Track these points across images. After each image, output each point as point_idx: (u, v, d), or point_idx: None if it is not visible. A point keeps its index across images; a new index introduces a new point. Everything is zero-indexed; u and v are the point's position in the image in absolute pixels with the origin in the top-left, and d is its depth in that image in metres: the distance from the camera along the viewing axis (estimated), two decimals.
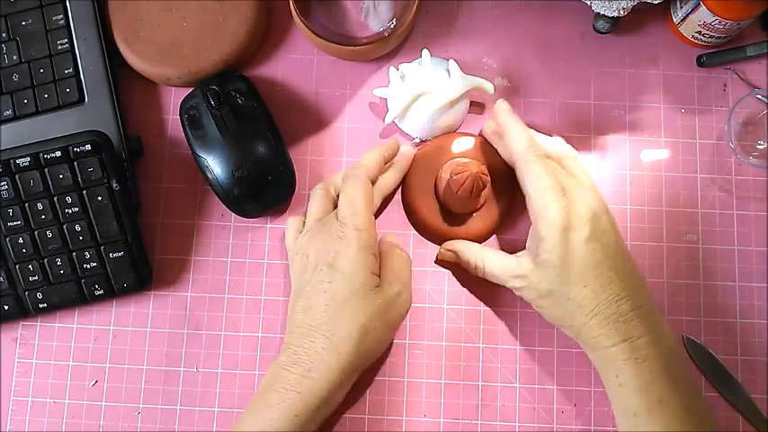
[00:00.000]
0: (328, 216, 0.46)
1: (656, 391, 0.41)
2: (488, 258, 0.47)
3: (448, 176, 0.47)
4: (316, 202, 0.48)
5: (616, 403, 0.43)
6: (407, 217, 0.52)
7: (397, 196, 0.53)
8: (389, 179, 0.50)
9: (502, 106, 0.48)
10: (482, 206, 0.50)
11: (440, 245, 0.51)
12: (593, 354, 0.44)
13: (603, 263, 0.43)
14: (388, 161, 0.50)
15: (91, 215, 0.49)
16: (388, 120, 0.51)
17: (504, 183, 0.50)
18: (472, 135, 0.52)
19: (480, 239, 0.51)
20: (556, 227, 0.42)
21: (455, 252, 0.49)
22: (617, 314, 0.42)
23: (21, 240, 0.48)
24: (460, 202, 0.48)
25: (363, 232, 0.44)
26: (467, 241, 0.49)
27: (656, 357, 0.41)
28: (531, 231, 0.45)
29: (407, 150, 0.51)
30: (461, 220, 0.50)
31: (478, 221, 0.50)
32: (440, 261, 0.51)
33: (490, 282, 0.51)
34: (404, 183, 0.52)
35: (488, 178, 0.47)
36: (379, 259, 0.45)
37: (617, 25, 0.53)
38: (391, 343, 0.50)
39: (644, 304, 0.43)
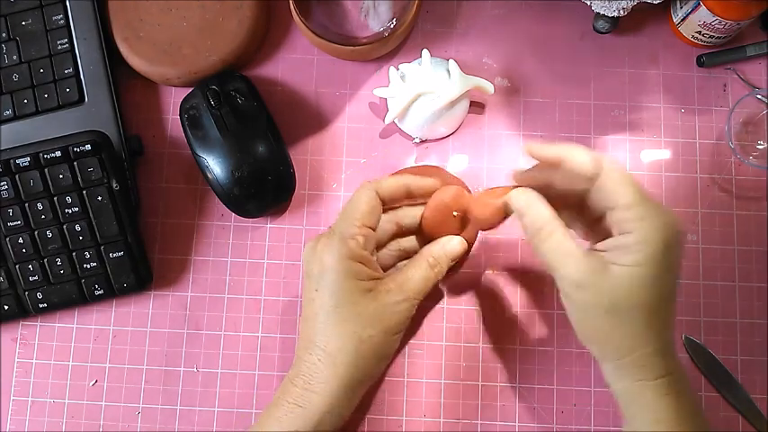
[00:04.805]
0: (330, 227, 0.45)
1: (695, 424, 0.40)
2: (556, 235, 0.39)
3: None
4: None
5: None
6: None
7: None
8: (411, 212, 0.46)
9: (537, 147, 0.42)
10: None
11: None
12: (624, 384, 0.40)
13: (674, 290, 0.40)
14: (414, 195, 0.45)
15: (91, 215, 0.49)
16: (388, 120, 0.51)
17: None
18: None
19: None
20: (656, 244, 0.37)
21: (527, 204, 0.41)
22: (665, 346, 0.39)
23: (21, 240, 0.48)
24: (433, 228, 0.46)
25: (349, 240, 0.42)
26: (543, 200, 0.41)
27: (688, 394, 0.40)
28: (613, 240, 0.39)
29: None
30: None
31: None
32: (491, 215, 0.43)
33: (490, 282, 0.51)
34: None
35: (450, 210, 0.45)
36: (372, 265, 0.43)
37: (617, 25, 0.53)
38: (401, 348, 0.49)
39: (672, 334, 0.41)
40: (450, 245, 0.45)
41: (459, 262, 0.48)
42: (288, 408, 0.41)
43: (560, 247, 0.39)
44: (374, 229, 0.44)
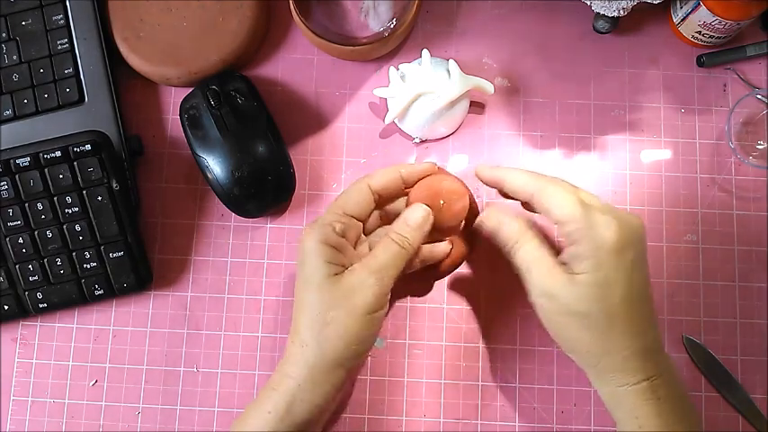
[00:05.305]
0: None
1: (682, 429, 0.40)
2: (527, 246, 0.42)
3: (424, 194, 0.45)
4: None
5: None
6: None
7: None
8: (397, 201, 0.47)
9: (483, 170, 0.45)
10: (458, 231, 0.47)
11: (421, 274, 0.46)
12: (607, 388, 0.41)
13: (642, 290, 0.41)
14: (408, 182, 0.45)
15: (91, 215, 0.49)
16: (388, 120, 0.51)
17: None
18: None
19: (453, 266, 0.47)
20: (605, 247, 0.39)
21: (499, 222, 0.43)
22: (643, 349, 0.40)
23: (21, 240, 0.48)
24: (446, 227, 0.46)
25: (326, 226, 0.42)
26: (512, 216, 0.43)
27: (675, 398, 0.40)
28: (567, 252, 0.41)
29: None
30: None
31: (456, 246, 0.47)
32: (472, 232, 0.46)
33: (490, 283, 0.51)
34: None
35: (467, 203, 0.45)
36: (348, 252, 0.43)
37: (617, 25, 0.53)
38: (375, 337, 0.48)
39: (659, 341, 0.41)
40: (413, 215, 0.44)
41: (456, 260, 0.48)
42: (265, 393, 0.42)
43: (530, 257, 0.41)
44: (361, 220, 0.44)
